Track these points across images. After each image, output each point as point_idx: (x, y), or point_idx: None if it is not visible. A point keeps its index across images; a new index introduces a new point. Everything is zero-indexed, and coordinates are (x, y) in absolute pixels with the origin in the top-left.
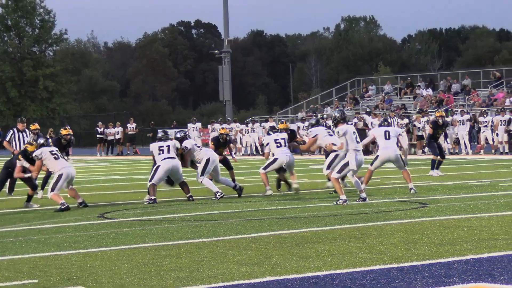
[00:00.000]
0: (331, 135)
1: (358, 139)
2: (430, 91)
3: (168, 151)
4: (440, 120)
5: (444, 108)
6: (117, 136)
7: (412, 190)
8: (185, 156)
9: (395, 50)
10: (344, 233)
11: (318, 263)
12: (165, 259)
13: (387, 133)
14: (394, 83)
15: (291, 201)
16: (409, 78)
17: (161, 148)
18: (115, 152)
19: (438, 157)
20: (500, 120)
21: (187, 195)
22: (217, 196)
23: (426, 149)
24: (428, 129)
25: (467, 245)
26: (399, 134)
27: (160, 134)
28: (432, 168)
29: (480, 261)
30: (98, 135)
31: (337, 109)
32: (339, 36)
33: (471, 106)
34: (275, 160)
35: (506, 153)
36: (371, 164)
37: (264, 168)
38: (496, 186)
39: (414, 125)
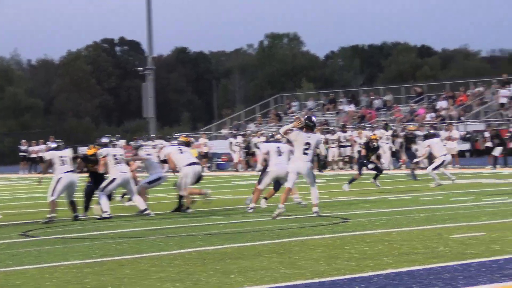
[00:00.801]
0: (182, 153)
1: (307, 151)
2: (352, 107)
3: (69, 163)
4: (375, 143)
5: (375, 122)
6: (41, 154)
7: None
8: (101, 161)
9: (318, 66)
10: (267, 249)
11: (241, 279)
12: (88, 277)
13: (279, 149)
14: (317, 99)
15: (213, 217)
16: (331, 94)
17: (62, 159)
18: (39, 169)
19: (361, 176)
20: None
21: (74, 214)
22: (107, 209)
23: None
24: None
25: (387, 259)
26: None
27: (56, 144)
28: (350, 183)
29: (400, 275)
30: (21, 153)
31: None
32: (263, 52)
33: (393, 121)
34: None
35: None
36: (259, 183)
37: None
38: (416, 200)
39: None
